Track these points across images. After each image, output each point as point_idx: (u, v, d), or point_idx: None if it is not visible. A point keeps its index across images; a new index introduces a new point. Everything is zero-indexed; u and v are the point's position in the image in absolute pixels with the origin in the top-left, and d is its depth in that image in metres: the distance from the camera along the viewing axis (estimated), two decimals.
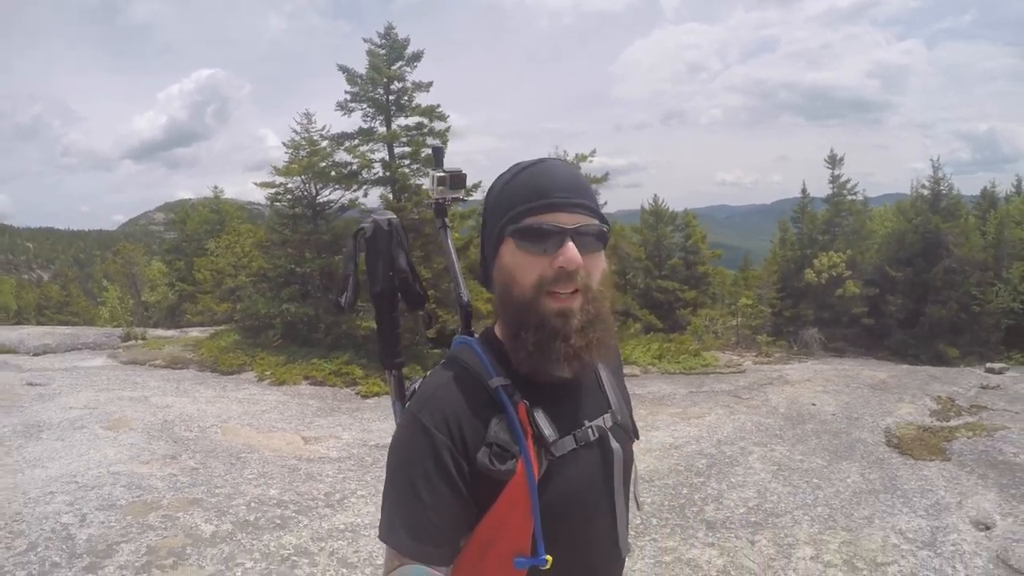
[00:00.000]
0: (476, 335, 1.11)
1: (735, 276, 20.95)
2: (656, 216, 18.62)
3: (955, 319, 16.43)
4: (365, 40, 11.53)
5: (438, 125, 11.51)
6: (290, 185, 12.11)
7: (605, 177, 13.86)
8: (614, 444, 1.07)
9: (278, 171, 11.85)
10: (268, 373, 10.59)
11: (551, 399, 1.01)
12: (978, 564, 4.06)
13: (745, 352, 15.45)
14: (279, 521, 4.50)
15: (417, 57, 11.32)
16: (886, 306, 16.92)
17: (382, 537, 0.94)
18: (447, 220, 1.29)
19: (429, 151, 9.47)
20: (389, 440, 1.01)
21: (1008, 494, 5.26)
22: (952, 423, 7.69)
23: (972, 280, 16.65)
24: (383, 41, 11.34)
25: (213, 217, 21.63)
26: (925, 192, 17.97)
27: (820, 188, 19.08)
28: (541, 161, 1.01)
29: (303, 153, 11.85)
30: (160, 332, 16.67)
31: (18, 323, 22.85)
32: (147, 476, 5.22)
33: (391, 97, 11.38)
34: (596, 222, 0.97)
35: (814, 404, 8.74)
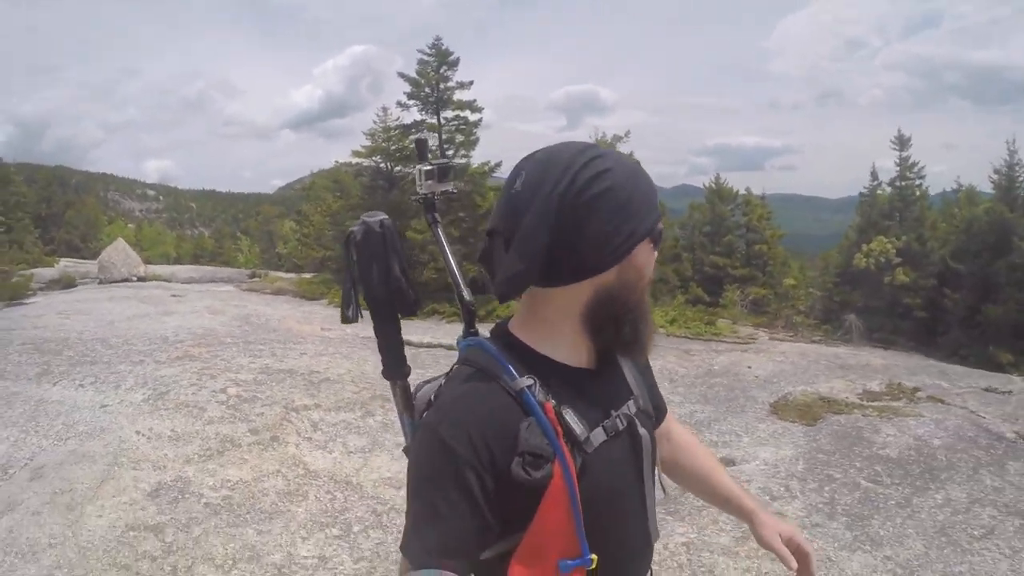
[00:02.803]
0: (483, 335, 1.17)
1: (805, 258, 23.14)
2: (718, 195, 21.15)
3: (1017, 322, 15.91)
4: (419, 51, 15.94)
5: (472, 116, 15.79)
6: (367, 164, 17.08)
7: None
8: (642, 431, 1.13)
9: (358, 154, 16.82)
10: (336, 299, 15.71)
11: (577, 393, 1.07)
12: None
13: (783, 331, 16.40)
14: (273, 348, 7.99)
15: (456, 63, 15.63)
16: (943, 300, 17.10)
17: (401, 548, 1.01)
18: (437, 215, 1.35)
19: (474, 135, 13.81)
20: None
21: (813, 459, 5.99)
22: (872, 403, 8.13)
23: None
24: (432, 51, 15.70)
25: (335, 186, 28.18)
26: (995, 178, 17.97)
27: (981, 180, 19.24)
28: (635, 163, 1.11)
29: (380, 140, 16.67)
30: (281, 274, 22.71)
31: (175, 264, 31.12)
32: (221, 329, 9.84)
33: (438, 95, 15.75)
34: None
35: (749, 367, 10.19)
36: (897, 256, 17.39)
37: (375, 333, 1.28)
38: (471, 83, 15.87)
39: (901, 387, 9.14)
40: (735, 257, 20.83)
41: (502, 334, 1.13)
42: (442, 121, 15.98)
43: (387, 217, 1.27)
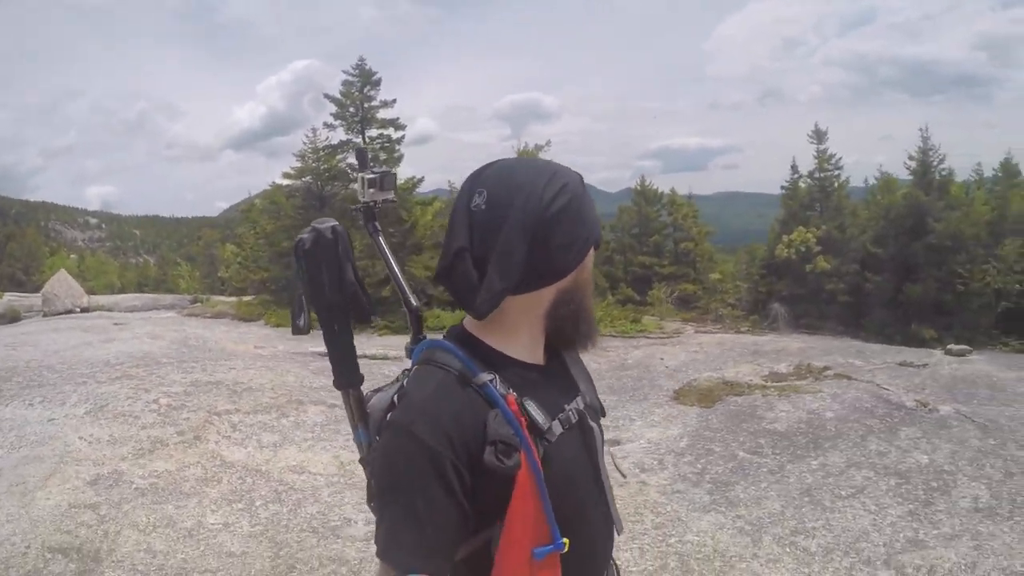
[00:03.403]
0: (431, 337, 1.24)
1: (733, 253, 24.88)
2: (644, 196, 22.62)
3: (938, 299, 17.10)
4: (344, 71, 17.19)
5: (395, 133, 17.17)
6: (298, 184, 18.22)
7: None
8: (591, 424, 1.24)
9: (288, 175, 18.02)
10: (272, 320, 16.49)
11: (533, 388, 1.16)
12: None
13: (711, 324, 17.60)
14: (204, 365, 9.21)
15: (378, 83, 16.97)
16: (866, 284, 18.28)
17: (379, 555, 1.07)
18: (377, 224, 1.39)
19: (397, 151, 15.11)
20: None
21: (698, 436, 6.55)
22: (775, 384, 8.68)
23: (959, 258, 17.10)
24: (356, 71, 17.00)
25: (272, 207, 29.10)
26: (911, 164, 19.14)
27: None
28: (580, 175, 1.20)
29: (310, 160, 17.85)
30: (222, 298, 23.54)
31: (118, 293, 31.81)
32: (159, 352, 10.83)
33: (363, 114, 17.05)
34: None
35: (662, 359, 10.80)
36: (817, 245, 18.63)
37: (325, 342, 1.33)
38: (394, 101, 17.22)
39: (810, 367, 9.73)
40: (664, 256, 22.32)
41: (459, 334, 1.20)
42: (367, 140, 17.23)
43: (339, 223, 1.32)
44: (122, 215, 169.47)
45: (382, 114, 17.18)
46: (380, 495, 1.11)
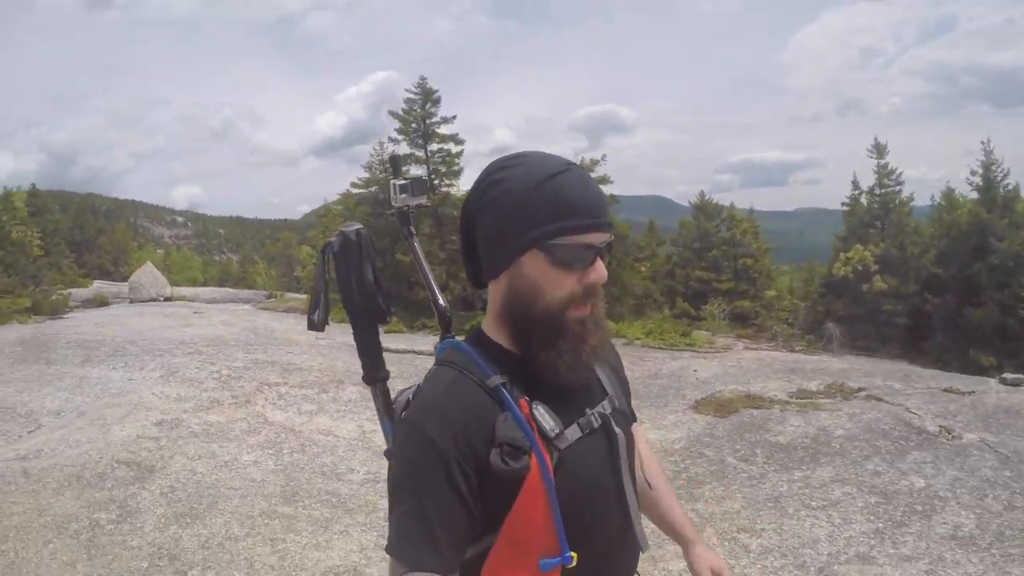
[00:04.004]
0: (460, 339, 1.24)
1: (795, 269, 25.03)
2: (703, 211, 23.14)
3: (1001, 324, 16.41)
4: (406, 90, 18.67)
5: (455, 148, 18.52)
6: (365, 193, 19.89)
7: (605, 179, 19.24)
8: (617, 429, 1.20)
9: (356, 185, 19.67)
10: (337, 315, 18.28)
11: (551, 393, 1.14)
12: None
13: (765, 342, 17.13)
14: (266, 348, 10.56)
15: (439, 100, 18.33)
16: (925, 306, 17.86)
17: (389, 551, 1.08)
18: (412, 228, 1.45)
19: (456, 165, 16.56)
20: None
21: (697, 441, 6.66)
22: (799, 400, 8.56)
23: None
24: (418, 90, 18.43)
25: (347, 212, 31.14)
26: (975, 180, 18.37)
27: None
28: (565, 170, 1.12)
29: (377, 172, 19.40)
30: (295, 295, 25.35)
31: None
32: (229, 336, 12.21)
33: (424, 129, 18.46)
34: (612, 236, 1.15)
35: (695, 371, 10.73)
36: (875, 264, 18.45)
37: (355, 339, 1.40)
38: (454, 118, 18.52)
39: (843, 387, 9.36)
40: (722, 271, 22.64)
41: (477, 335, 1.22)
42: (428, 154, 18.64)
43: (363, 227, 1.39)
44: (208, 215, 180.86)
45: (442, 129, 18.51)
46: (391, 492, 1.15)
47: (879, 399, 8.46)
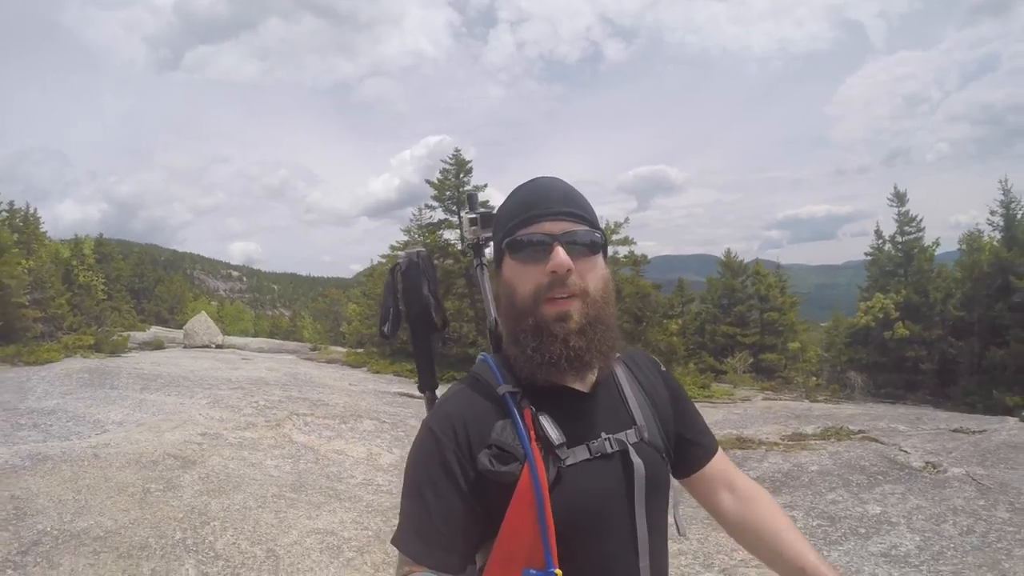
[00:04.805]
0: None
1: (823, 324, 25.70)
2: (728, 268, 24.16)
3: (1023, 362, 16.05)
4: (442, 160, 20.79)
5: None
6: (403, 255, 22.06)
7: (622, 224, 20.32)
8: (635, 459, 1.20)
9: (395, 247, 21.45)
10: (374, 367, 19.47)
11: (565, 410, 1.19)
12: None
13: (787, 393, 17.55)
14: (301, 388, 12.64)
15: (471, 170, 20.40)
16: (949, 350, 17.89)
17: (394, 542, 1.14)
18: (483, 259, 1.58)
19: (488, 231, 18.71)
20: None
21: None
22: (788, 442, 9.05)
23: None
24: (452, 161, 20.54)
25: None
26: (995, 218, 18.22)
27: None
28: (533, 179, 1.26)
29: (415, 235, 21.33)
30: (338, 348, 27.36)
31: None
32: (271, 379, 13.93)
33: (457, 196, 20.23)
34: (585, 228, 1.19)
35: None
36: (896, 311, 18.60)
37: (413, 350, 1.55)
38: (485, 186, 20.63)
39: (841, 430, 9.74)
40: (748, 325, 23.61)
41: (503, 351, 1.28)
42: (461, 219, 20.61)
43: (423, 249, 1.57)
44: (262, 270, 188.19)
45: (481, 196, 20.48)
46: (403, 487, 1.19)
47: (875, 440, 8.86)
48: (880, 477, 6.96)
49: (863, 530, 5.58)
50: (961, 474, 6.97)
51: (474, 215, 1.54)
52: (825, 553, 5.12)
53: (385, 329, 1.53)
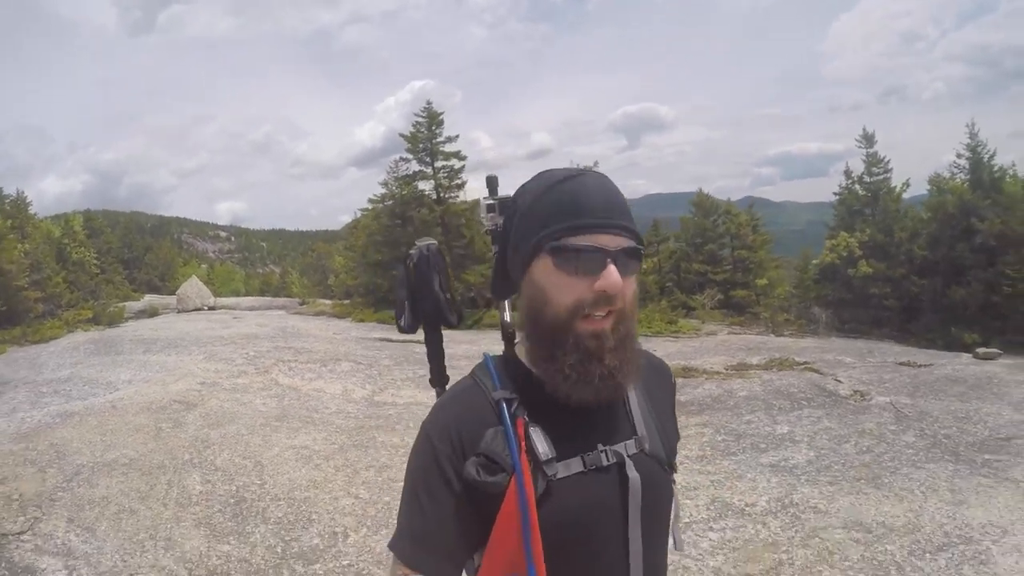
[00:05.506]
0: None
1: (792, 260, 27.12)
2: (700, 208, 25.45)
3: (985, 302, 17.14)
4: (415, 114, 22.02)
5: (457, 164, 21.80)
6: (382, 207, 23.17)
7: None
8: (632, 472, 1.16)
9: (373, 200, 22.97)
10: (357, 317, 20.93)
11: (562, 420, 1.15)
12: None
13: (755, 328, 18.78)
14: (287, 339, 14.21)
15: (442, 122, 21.66)
16: (912, 288, 18.72)
17: (389, 545, 1.15)
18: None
19: (459, 179, 20.07)
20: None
21: None
22: (731, 371, 9.68)
23: (1008, 259, 16.96)
24: (424, 114, 21.75)
25: (373, 223, 34.66)
26: (960, 161, 19.20)
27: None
28: (578, 175, 1.15)
29: (393, 188, 22.79)
30: (325, 301, 28.90)
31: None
32: (261, 333, 15.30)
33: (430, 148, 21.70)
34: (635, 244, 1.12)
35: (655, 351, 14.36)
36: (860, 249, 19.67)
37: (425, 344, 1.53)
38: (457, 137, 21.92)
39: (785, 362, 10.38)
40: (719, 263, 24.90)
41: (508, 354, 1.29)
42: (435, 170, 21.92)
43: (434, 242, 1.52)
44: (250, 228, 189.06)
45: (447, 147, 21.93)
46: (402, 492, 1.20)
47: (816, 371, 9.44)
48: (804, 403, 7.44)
49: (763, 445, 6.09)
50: (884, 402, 7.39)
51: (491, 201, 1.43)
52: (717, 462, 5.76)
53: (402, 323, 1.51)
